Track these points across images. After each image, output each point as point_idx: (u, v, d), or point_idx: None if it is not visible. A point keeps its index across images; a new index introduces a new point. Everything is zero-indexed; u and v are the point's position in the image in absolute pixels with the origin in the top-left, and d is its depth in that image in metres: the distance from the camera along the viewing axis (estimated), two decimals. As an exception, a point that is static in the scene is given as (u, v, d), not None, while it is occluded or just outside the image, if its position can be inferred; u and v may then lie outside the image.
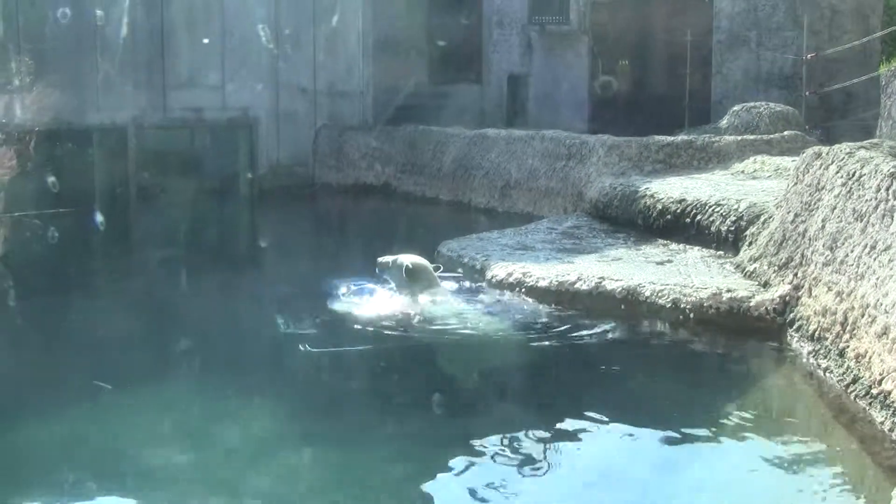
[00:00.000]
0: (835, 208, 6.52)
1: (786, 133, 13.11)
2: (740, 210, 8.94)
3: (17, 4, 13.84)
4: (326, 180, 17.30)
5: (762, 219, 8.51)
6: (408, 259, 8.43)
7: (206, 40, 15.82)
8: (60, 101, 13.94)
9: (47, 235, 10.64)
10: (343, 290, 8.50)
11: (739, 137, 12.89)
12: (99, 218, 12.21)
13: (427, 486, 4.71)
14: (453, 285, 8.68)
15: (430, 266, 8.52)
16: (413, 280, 8.31)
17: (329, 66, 17.66)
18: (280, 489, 4.72)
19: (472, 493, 4.58)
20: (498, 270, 8.63)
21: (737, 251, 8.62)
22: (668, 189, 10.30)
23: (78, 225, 12.05)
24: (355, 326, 7.55)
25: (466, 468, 4.87)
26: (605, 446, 5.13)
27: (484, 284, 8.65)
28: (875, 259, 5.57)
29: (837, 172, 6.73)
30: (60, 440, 5.30)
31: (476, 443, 5.19)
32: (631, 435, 5.25)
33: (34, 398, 5.93)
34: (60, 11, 13.82)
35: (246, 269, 11.00)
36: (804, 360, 6.24)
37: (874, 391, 5.08)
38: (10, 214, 11.71)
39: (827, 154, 7.22)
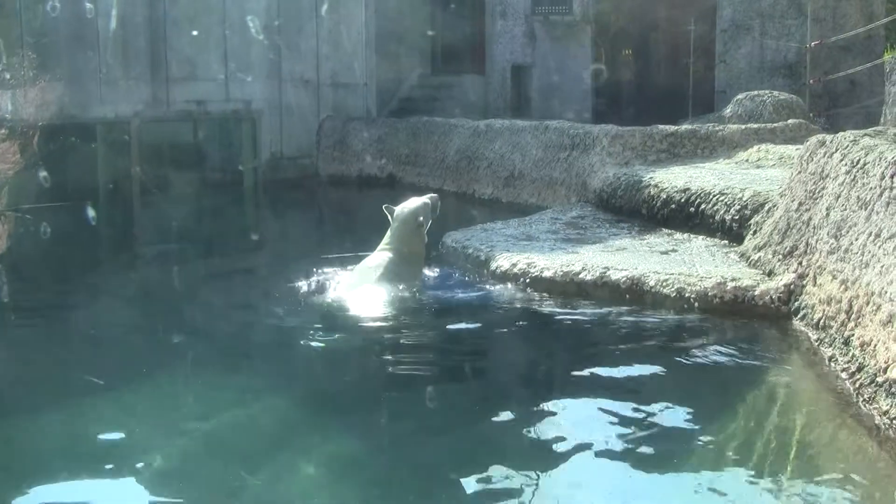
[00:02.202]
0: (839, 196, 6.50)
1: (790, 121, 13.09)
2: (744, 199, 8.93)
3: (19, -1, 13.86)
4: (330, 172, 17.32)
5: (766, 207, 8.50)
6: (410, 204, 8.79)
7: (207, 32, 15.83)
8: (63, 96, 13.97)
9: (52, 229, 10.65)
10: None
11: (743, 126, 12.87)
12: (91, 213, 12.23)
13: (424, 477, 4.72)
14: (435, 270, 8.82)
15: (415, 217, 8.64)
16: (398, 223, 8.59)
17: (332, 58, 17.68)
18: (287, 483, 4.72)
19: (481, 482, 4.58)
20: (502, 261, 8.62)
21: (741, 240, 8.61)
22: (672, 178, 10.29)
23: (82, 218, 12.07)
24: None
25: (469, 461, 4.88)
26: (602, 433, 5.11)
27: (486, 273, 8.67)
28: (880, 247, 5.56)
29: (841, 160, 6.72)
30: (63, 433, 5.30)
31: (478, 433, 5.21)
32: (631, 423, 5.23)
33: (40, 391, 5.94)
34: (61, 5, 13.83)
35: (250, 260, 11.00)
36: (809, 348, 6.23)
37: (879, 379, 5.07)
38: (15, 208, 11.73)
39: (831, 142, 7.20)
